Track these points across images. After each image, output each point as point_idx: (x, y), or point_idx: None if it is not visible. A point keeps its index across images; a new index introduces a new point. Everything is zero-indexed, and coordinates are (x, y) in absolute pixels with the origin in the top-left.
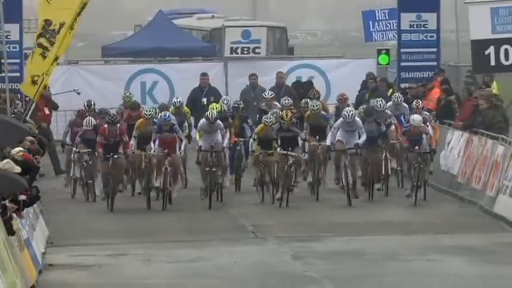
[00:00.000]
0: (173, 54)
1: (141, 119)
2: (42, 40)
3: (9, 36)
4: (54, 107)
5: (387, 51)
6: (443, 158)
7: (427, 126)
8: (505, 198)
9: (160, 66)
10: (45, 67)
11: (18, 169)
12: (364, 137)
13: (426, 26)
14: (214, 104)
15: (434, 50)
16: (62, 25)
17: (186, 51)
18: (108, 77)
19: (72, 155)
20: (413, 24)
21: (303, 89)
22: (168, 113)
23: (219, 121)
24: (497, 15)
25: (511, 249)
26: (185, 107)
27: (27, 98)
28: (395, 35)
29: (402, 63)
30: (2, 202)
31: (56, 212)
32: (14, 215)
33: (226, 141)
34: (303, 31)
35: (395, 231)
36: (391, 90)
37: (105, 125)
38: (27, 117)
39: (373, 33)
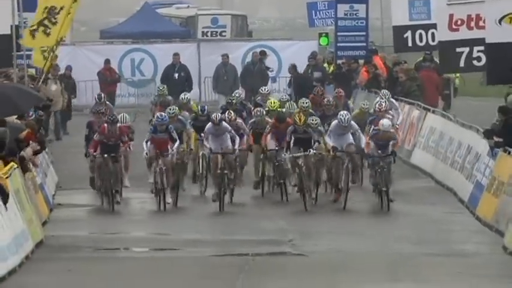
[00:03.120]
0: (156, 37)
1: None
2: (46, 21)
3: (26, 23)
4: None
5: (326, 35)
6: None
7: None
8: (419, 151)
9: (146, 46)
10: (50, 42)
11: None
12: (363, 140)
13: (357, 14)
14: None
15: (364, 33)
16: (61, 8)
17: (166, 34)
18: (105, 54)
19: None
20: (347, 13)
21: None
22: (164, 114)
23: (224, 123)
24: (413, 5)
25: (424, 192)
26: (192, 103)
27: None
28: (332, 21)
29: (338, 44)
30: (21, 154)
31: (63, 163)
32: (31, 164)
33: (237, 143)
34: (260, 18)
35: None
36: (330, 66)
37: (105, 124)
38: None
39: (315, 20)
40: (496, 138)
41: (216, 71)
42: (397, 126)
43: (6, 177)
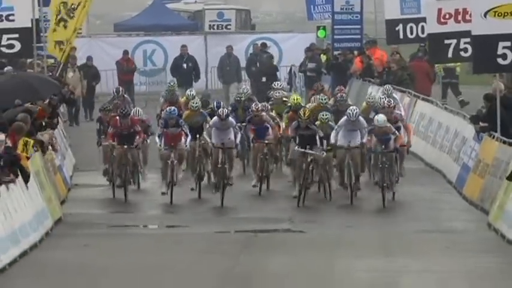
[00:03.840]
0: (166, 29)
1: (188, 111)
2: (65, 16)
3: (46, 17)
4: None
5: (324, 28)
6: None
7: (399, 125)
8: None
9: (157, 38)
10: (68, 34)
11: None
12: (366, 137)
13: (353, 8)
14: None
15: (359, 26)
16: (78, 4)
17: (176, 27)
18: (119, 46)
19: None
20: (343, 8)
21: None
22: (173, 108)
23: (230, 118)
24: (405, 0)
25: (415, 174)
26: (198, 99)
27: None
28: (330, 15)
29: (335, 36)
30: (40, 138)
31: (80, 146)
32: (50, 147)
33: (238, 138)
34: (262, 12)
35: None
36: (325, 56)
37: (117, 117)
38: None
39: (314, 14)
40: (481, 124)
41: (221, 62)
42: (406, 123)
43: (28, 158)
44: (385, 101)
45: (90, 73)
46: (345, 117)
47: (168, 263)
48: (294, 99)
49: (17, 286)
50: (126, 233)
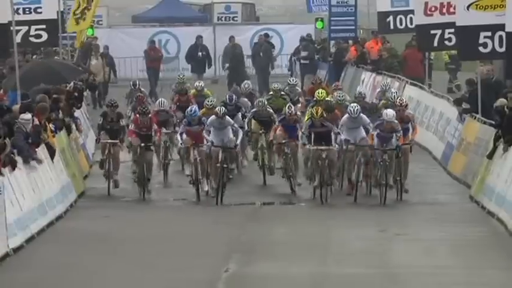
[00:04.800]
0: (179, 21)
1: (204, 109)
2: (85, 10)
3: (69, 9)
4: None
5: (322, 19)
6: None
7: (408, 127)
8: None
9: (171, 29)
10: (87, 25)
11: None
12: (371, 132)
13: (348, 2)
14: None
15: (353, 18)
16: None
17: (187, 19)
18: (136, 36)
19: None
20: (339, 1)
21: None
22: (194, 107)
23: (228, 117)
24: None
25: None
26: (206, 90)
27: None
28: (327, 8)
29: (332, 27)
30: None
31: None
32: (74, 127)
33: (239, 138)
34: (266, 6)
35: None
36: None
37: (137, 115)
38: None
39: (313, 7)
40: (464, 106)
41: (225, 50)
42: (415, 124)
43: (53, 136)
44: (397, 99)
45: (106, 61)
46: (346, 115)
47: (182, 232)
48: (318, 94)
49: (44, 252)
50: (144, 205)
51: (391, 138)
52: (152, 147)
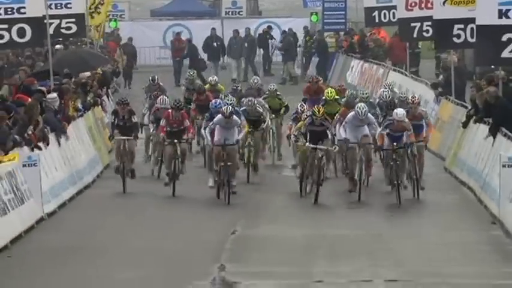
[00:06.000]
0: (191, 15)
1: (207, 85)
2: (99, 5)
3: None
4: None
5: (316, 13)
6: (349, 77)
7: (422, 123)
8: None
9: (184, 22)
10: (102, 18)
11: None
12: (379, 131)
13: None
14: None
15: (343, 13)
16: None
17: (199, 13)
18: (154, 28)
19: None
20: None
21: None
22: (218, 100)
23: (235, 117)
24: None
25: None
26: (219, 85)
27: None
28: (321, 3)
29: (325, 21)
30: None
31: None
32: (100, 108)
33: (241, 134)
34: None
35: None
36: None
37: (170, 110)
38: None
39: (308, 2)
40: (440, 89)
41: (229, 42)
42: (429, 121)
43: (78, 117)
44: (409, 97)
45: (130, 51)
46: (352, 113)
47: (197, 200)
48: (328, 93)
49: (74, 216)
50: (159, 181)
51: (401, 137)
52: (184, 144)
